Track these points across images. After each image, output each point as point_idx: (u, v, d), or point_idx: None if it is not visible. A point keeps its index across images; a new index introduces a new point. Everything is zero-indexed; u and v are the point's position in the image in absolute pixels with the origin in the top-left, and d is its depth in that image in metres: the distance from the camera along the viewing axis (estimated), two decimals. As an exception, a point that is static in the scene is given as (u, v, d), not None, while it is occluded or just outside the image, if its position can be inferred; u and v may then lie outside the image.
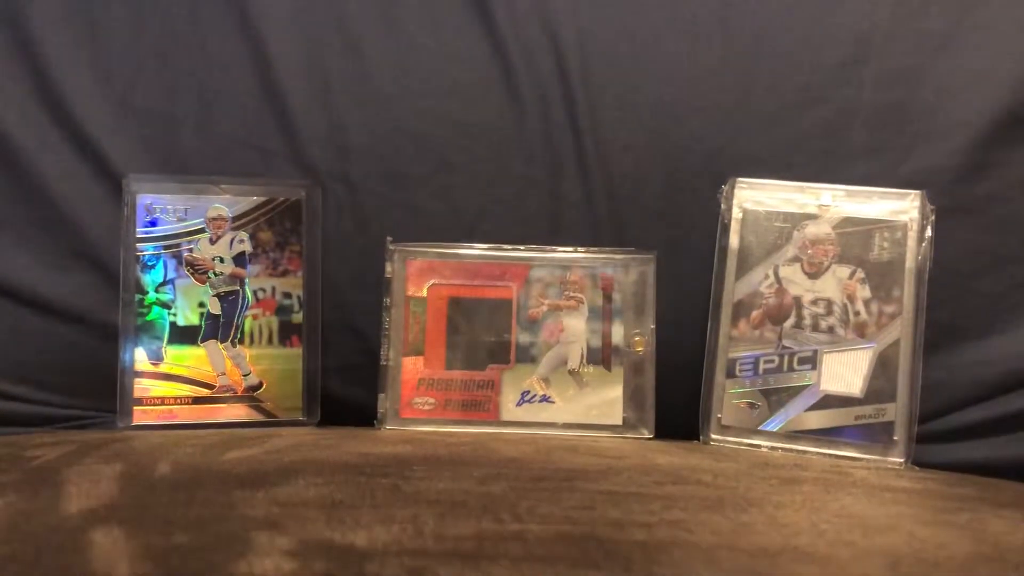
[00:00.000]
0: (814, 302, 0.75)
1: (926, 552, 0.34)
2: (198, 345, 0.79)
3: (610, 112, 0.82)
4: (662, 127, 0.83)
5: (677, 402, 0.78)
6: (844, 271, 0.75)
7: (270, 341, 0.80)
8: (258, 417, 0.79)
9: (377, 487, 0.43)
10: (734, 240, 0.77)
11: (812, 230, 0.75)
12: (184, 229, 0.79)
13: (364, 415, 0.79)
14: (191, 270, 0.79)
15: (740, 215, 0.77)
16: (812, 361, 0.74)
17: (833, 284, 0.75)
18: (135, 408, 0.77)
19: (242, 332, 0.79)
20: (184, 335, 0.79)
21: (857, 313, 0.74)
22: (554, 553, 0.32)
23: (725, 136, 0.82)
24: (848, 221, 0.75)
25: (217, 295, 0.79)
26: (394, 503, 0.39)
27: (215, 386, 0.79)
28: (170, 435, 0.71)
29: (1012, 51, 0.79)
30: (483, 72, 0.83)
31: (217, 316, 0.79)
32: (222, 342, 0.79)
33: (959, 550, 0.35)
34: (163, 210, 0.79)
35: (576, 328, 0.78)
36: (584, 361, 0.78)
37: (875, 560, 0.33)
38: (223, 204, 0.80)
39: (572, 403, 0.78)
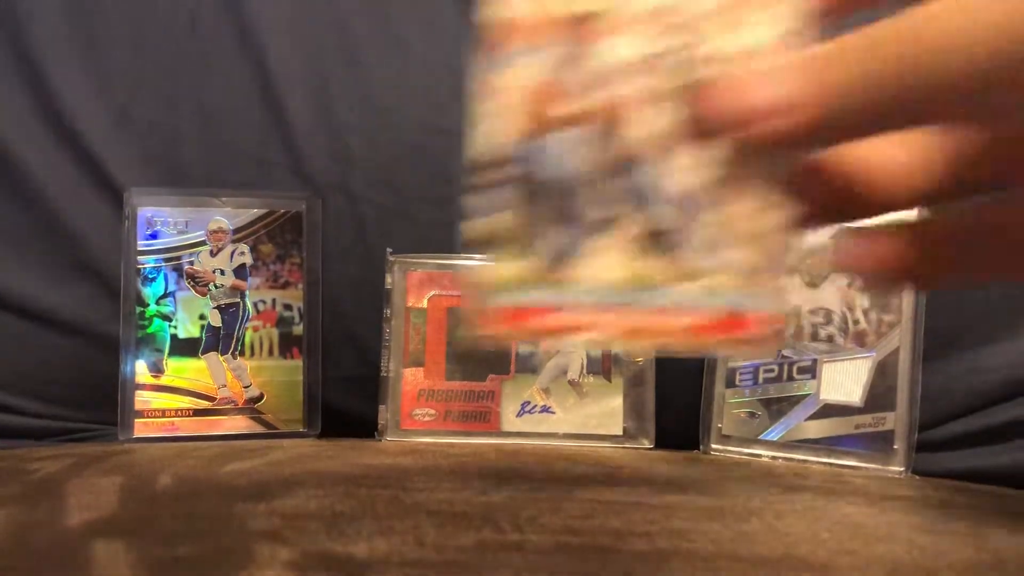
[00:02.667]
0: (813, 311, 0.75)
1: (926, 560, 0.34)
2: (199, 357, 0.79)
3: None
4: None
5: (677, 412, 0.78)
6: (843, 280, 0.75)
7: (271, 353, 0.80)
8: (259, 429, 0.79)
9: (378, 498, 0.43)
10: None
11: (809, 239, 0.75)
12: (185, 242, 0.79)
13: (365, 426, 0.79)
14: (192, 282, 0.79)
15: (739, 225, 0.77)
16: (812, 370, 0.74)
17: (832, 293, 0.75)
18: (136, 420, 0.77)
19: (243, 344, 0.80)
20: (185, 347, 0.79)
21: (856, 322, 0.74)
22: (554, 563, 0.32)
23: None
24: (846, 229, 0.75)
25: (218, 307, 0.79)
26: (395, 514, 0.39)
27: (216, 398, 0.79)
28: (171, 447, 0.71)
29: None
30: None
31: (218, 328, 0.79)
32: (223, 354, 0.79)
33: (959, 558, 0.35)
34: (164, 223, 0.79)
35: (576, 338, 0.78)
36: (584, 371, 0.78)
37: (875, 568, 0.33)
38: (223, 217, 0.80)
39: (572, 413, 0.78)
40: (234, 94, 0.84)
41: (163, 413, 0.78)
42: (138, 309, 0.78)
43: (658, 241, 0.40)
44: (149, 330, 0.78)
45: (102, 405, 0.79)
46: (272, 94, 0.84)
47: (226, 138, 0.84)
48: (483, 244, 0.40)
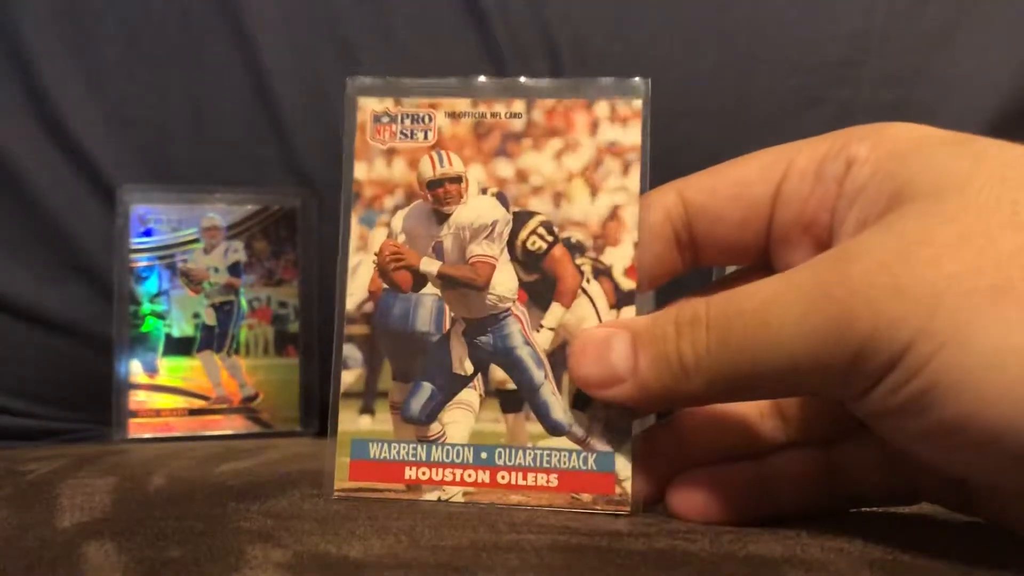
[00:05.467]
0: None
1: (919, 557, 0.34)
2: (193, 356, 0.79)
3: (605, 118, 0.82)
4: (659, 131, 0.82)
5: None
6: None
7: (266, 351, 0.80)
8: (255, 428, 0.79)
9: (373, 498, 0.42)
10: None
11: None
12: (178, 240, 0.79)
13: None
14: (185, 280, 0.79)
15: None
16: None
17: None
18: (131, 420, 0.77)
19: (237, 342, 0.79)
20: (179, 346, 0.79)
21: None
22: (550, 563, 0.32)
23: (723, 139, 0.81)
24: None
25: (212, 305, 0.79)
26: (390, 514, 0.39)
27: (211, 397, 0.78)
28: (166, 447, 0.71)
29: (1010, 49, 0.79)
30: (478, 79, 0.83)
31: (212, 327, 0.79)
32: (217, 352, 0.79)
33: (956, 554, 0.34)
34: (157, 220, 0.79)
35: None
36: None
37: (874, 567, 0.32)
38: (217, 213, 0.80)
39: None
40: (228, 91, 0.84)
41: (158, 413, 0.77)
42: (131, 308, 0.78)
43: (517, 397, 0.42)
44: (143, 329, 0.78)
45: (97, 405, 0.79)
46: (266, 91, 0.83)
47: (220, 135, 0.84)
48: (349, 396, 0.42)
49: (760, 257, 0.41)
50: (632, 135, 0.42)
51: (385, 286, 0.42)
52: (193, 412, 0.78)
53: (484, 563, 0.31)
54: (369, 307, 0.43)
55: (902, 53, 0.81)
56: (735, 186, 0.40)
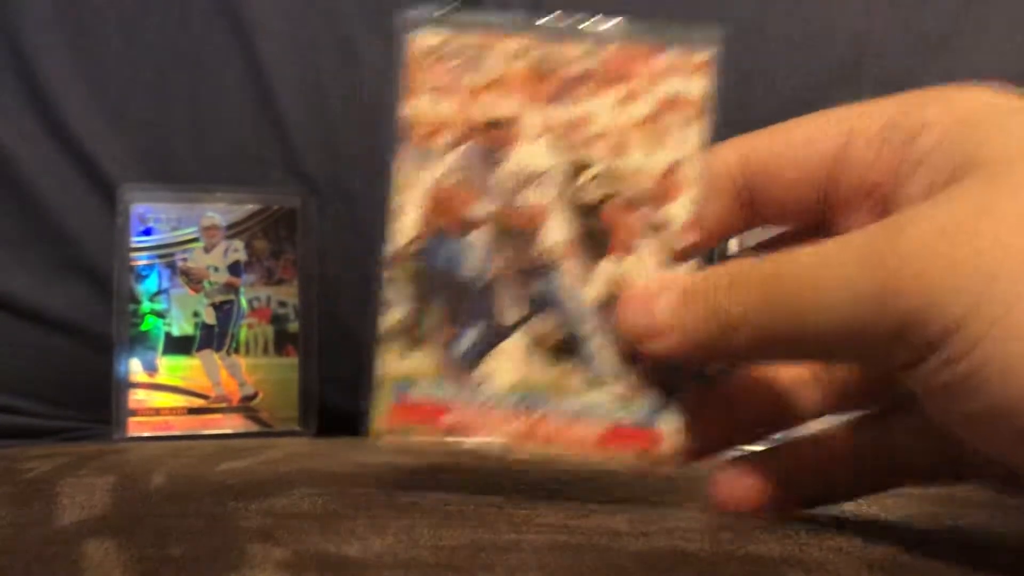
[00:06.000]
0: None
1: (919, 558, 0.34)
2: (193, 355, 0.79)
3: (606, 118, 0.82)
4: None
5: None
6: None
7: (265, 351, 0.80)
8: (254, 427, 0.79)
9: (372, 497, 0.42)
10: (732, 244, 0.76)
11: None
12: (178, 239, 0.79)
13: (364, 425, 0.78)
14: (185, 279, 0.79)
15: (737, 220, 0.76)
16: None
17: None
18: (130, 419, 0.77)
19: (237, 341, 0.79)
20: (179, 345, 0.78)
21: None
22: (550, 563, 0.32)
23: (723, 139, 0.81)
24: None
25: (212, 304, 0.79)
26: (389, 513, 0.39)
27: (210, 396, 0.78)
28: (165, 446, 0.71)
29: (1011, 49, 0.79)
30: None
31: (212, 326, 0.79)
32: (217, 351, 0.79)
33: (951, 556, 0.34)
34: (156, 219, 0.79)
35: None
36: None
37: (874, 568, 0.32)
38: (217, 213, 0.80)
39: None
40: (228, 91, 0.84)
41: (157, 411, 0.77)
42: (131, 307, 0.78)
43: (564, 348, 0.41)
44: (142, 328, 0.78)
45: (96, 404, 0.78)
46: (266, 90, 0.83)
47: (220, 135, 0.84)
48: (392, 337, 0.41)
49: (818, 219, 0.40)
50: (698, 87, 0.41)
51: (433, 228, 0.42)
52: (192, 411, 0.78)
53: (483, 563, 0.31)
54: (415, 248, 0.42)
55: (902, 53, 0.81)
56: (797, 146, 0.40)
